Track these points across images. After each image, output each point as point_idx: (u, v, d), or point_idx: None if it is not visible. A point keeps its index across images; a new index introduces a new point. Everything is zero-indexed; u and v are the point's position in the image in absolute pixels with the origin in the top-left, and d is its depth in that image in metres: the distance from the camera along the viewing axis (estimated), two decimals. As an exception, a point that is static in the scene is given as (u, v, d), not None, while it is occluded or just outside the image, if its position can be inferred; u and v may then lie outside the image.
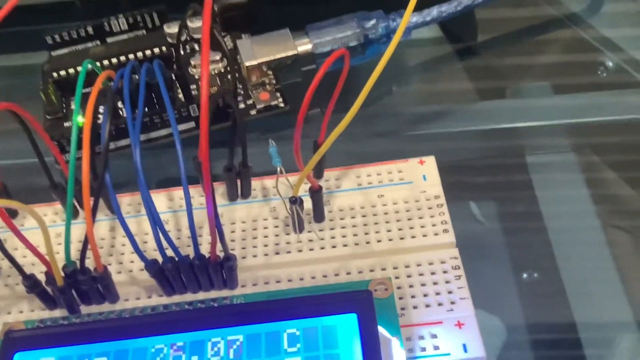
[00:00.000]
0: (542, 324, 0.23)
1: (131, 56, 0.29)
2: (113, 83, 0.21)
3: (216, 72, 0.29)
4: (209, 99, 0.18)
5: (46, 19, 0.32)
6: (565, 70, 0.32)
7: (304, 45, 0.28)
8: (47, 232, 0.19)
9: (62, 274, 0.20)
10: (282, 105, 0.28)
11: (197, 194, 0.24)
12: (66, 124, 0.27)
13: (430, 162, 0.24)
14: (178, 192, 0.24)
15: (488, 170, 0.28)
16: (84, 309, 0.21)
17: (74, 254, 0.21)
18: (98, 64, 0.28)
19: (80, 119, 0.27)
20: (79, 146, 0.20)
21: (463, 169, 0.28)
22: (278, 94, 0.28)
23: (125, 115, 0.27)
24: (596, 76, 0.31)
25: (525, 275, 0.24)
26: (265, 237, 0.22)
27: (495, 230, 0.26)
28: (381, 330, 0.19)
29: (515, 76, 0.32)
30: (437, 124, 0.29)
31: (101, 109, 0.26)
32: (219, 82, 0.28)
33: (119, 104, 0.26)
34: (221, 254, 0.20)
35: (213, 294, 0.21)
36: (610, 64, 0.31)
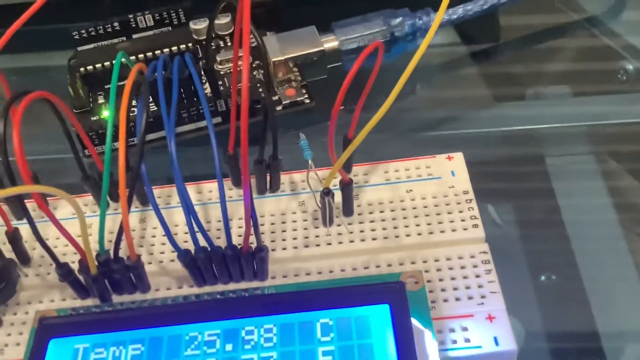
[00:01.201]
0: (563, 330, 0.23)
1: (157, 52, 0.29)
2: (146, 75, 0.22)
3: (241, 68, 0.29)
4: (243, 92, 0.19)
5: (73, 17, 0.32)
6: (586, 74, 0.32)
7: (330, 42, 0.28)
8: (83, 219, 0.19)
9: (96, 262, 0.20)
10: (307, 101, 0.28)
11: (226, 188, 0.24)
12: (93, 118, 0.28)
13: (459, 158, 0.24)
14: (207, 186, 0.24)
15: (507, 173, 0.28)
16: (116, 299, 0.21)
17: (106, 244, 0.21)
18: (124, 59, 0.28)
19: (107, 113, 0.28)
20: (108, 139, 0.20)
21: (482, 172, 0.28)
22: (304, 90, 0.28)
23: (152, 110, 0.27)
24: (616, 80, 0.31)
25: (544, 279, 0.24)
26: (294, 230, 0.23)
27: (514, 234, 0.26)
28: (414, 321, 0.19)
29: (535, 80, 0.32)
30: (455, 126, 0.29)
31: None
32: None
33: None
34: (253, 246, 0.21)
35: (243, 285, 0.21)
36: (631, 67, 0.31)
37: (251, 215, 0.19)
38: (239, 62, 0.28)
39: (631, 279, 0.24)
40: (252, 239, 0.20)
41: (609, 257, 0.24)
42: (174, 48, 0.29)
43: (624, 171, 0.28)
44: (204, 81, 0.27)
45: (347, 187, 0.22)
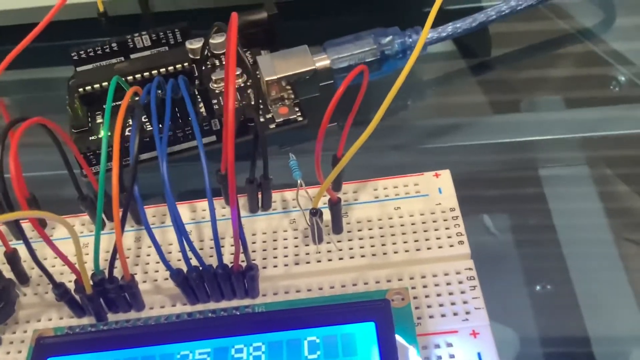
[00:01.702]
0: (555, 336, 0.23)
1: (154, 72, 0.29)
2: (140, 98, 0.22)
3: (235, 87, 0.29)
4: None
5: (72, 35, 0.33)
6: (578, 84, 0.32)
7: (322, 61, 0.29)
8: (78, 241, 0.19)
9: (91, 282, 0.21)
10: (300, 119, 0.28)
11: (219, 206, 0.25)
12: (91, 138, 0.28)
13: (446, 175, 0.24)
14: (200, 204, 0.25)
15: (501, 183, 0.28)
16: (111, 317, 0.22)
17: (101, 264, 0.21)
18: (122, 79, 0.29)
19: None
20: (103, 159, 0.21)
21: (476, 181, 0.28)
22: (297, 109, 0.29)
23: (148, 129, 0.28)
24: (608, 90, 0.31)
25: (538, 288, 0.25)
26: (285, 247, 0.23)
27: (509, 243, 0.26)
28: (398, 338, 0.19)
29: (528, 90, 0.32)
30: (451, 137, 0.29)
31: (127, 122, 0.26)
32: (239, 97, 0.29)
33: (143, 119, 0.27)
34: (243, 264, 0.21)
35: (235, 302, 0.22)
36: (623, 78, 0.32)
37: (239, 236, 0.20)
38: (240, 79, 0.29)
39: (622, 285, 0.24)
40: (243, 257, 0.21)
41: (600, 263, 0.25)
42: (171, 68, 0.30)
43: (617, 179, 0.28)
44: (199, 100, 0.28)
45: (335, 206, 0.22)
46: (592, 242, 0.26)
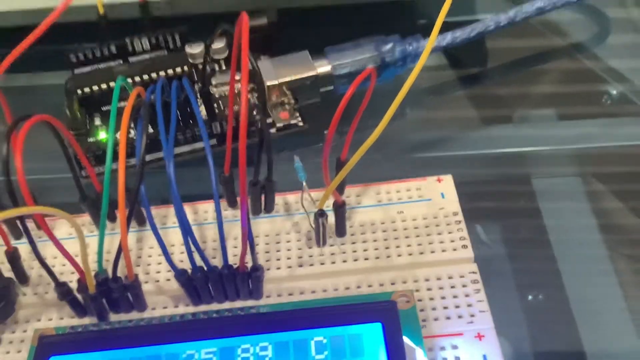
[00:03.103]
0: (550, 350, 0.23)
1: (154, 75, 0.29)
2: (145, 99, 0.22)
3: (236, 91, 0.29)
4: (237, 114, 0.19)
5: (69, 39, 0.32)
6: (571, 98, 0.32)
7: (323, 67, 0.29)
8: (83, 239, 0.19)
9: (94, 281, 0.21)
10: (301, 124, 0.28)
11: (222, 208, 0.24)
12: (90, 140, 0.28)
13: (448, 180, 0.24)
14: (202, 206, 0.25)
15: (494, 194, 0.29)
16: (113, 317, 0.22)
17: (103, 264, 0.21)
18: (127, 80, 0.29)
19: (103, 135, 0.28)
20: (108, 160, 0.21)
21: (470, 192, 0.28)
22: (297, 114, 0.29)
23: (150, 131, 0.28)
24: (601, 104, 0.32)
25: (531, 298, 0.25)
26: (289, 250, 0.23)
27: (502, 255, 0.26)
28: (405, 339, 0.19)
29: (521, 104, 0.32)
30: (443, 148, 0.30)
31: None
32: (239, 101, 0.29)
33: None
34: (248, 265, 0.21)
35: (239, 304, 0.22)
36: (614, 92, 0.32)
37: (248, 235, 0.20)
38: (237, 85, 0.29)
39: (617, 299, 0.24)
40: (247, 258, 0.21)
41: (595, 277, 0.25)
42: (170, 71, 0.30)
43: (609, 193, 0.29)
44: (200, 104, 0.28)
45: (340, 208, 0.22)
46: (587, 257, 0.26)
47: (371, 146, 0.21)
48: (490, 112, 0.32)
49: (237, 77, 0.29)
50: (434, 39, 0.21)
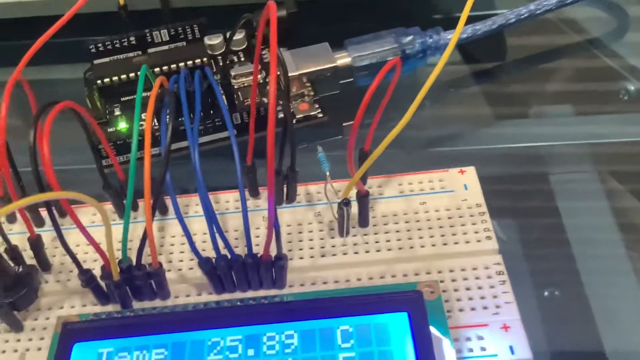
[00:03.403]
0: (568, 349, 0.23)
1: (173, 66, 0.29)
2: (168, 88, 0.22)
3: (261, 81, 0.29)
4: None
5: (88, 30, 0.32)
6: (588, 94, 0.32)
7: (343, 59, 0.29)
8: (109, 226, 0.19)
9: (118, 269, 0.21)
10: (320, 115, 0.28)
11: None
12: (110, 130, 0.28)
13: (471, 172, 0.24)
14: (223, 196, 0.25)
15: (511, 190, 0.28)
16: (136, 305, 0.22)
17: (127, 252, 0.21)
18: (150, 70, 0.29)
19: (123, 125, 0.28)
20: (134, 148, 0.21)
21: (485, 188, 0.28)
22: (317, 105, 0.29)
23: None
24: (618, 100, 0.32)
25: (547, 295, 0.24)
26: (311, 240, 0.23)
27: (518, 251, 0.26)
28: (432, 329, 0.19)
29: (538, 100, 0.32)
30: (460, 143, 0.30)
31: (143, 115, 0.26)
32: (259, 92, 0.29)
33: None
34: (271, 254, 0.21)
35: (261, 292, 0.22)
36: (632, 88, 0.32)
37: (274, 224, 0.19)
38: (259, 76, 0.29)
39: (636, 298, 0.24)
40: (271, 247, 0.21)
41: (613, 276, 0.25)
42: (189, 62, 0.30)
43: (626, 191, 0.28)
44: (221, 93, 0.28)
45: (363, 198, 0.22)
46: (605, 256, 0.26)
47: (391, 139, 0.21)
48: (507, 108, 0.32)
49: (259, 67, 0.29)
50: (459, 32, 0.20)
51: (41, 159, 0.19)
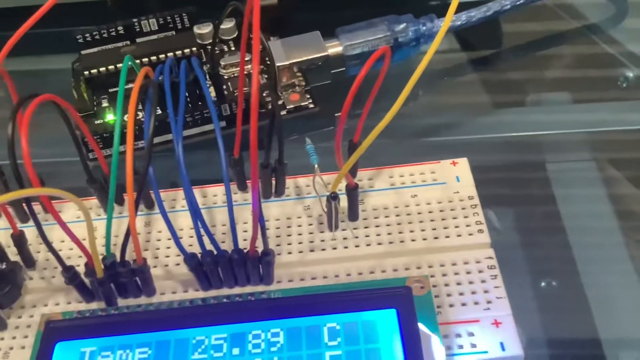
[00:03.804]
0: (564, 337, 0.23)
1: (162, 56, 0.29)
2: (153, 79, 0.22)
3: (246, 72, 0.29)
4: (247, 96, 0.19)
5: (77, 21, 0.32)
6: (586, 81, 0.32)
7: (334, 48, 0.28)
8: (91, 222, 0.19)
9: (102, 266, 0.20)
10: (311, 106, 0.28)
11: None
12: (97, 122, 0.28)
13: (463, 163, 0.24)
14: (211, 190, 0.24)
15: (508, 179, 0.28)
16: (121, 302, 0.21)
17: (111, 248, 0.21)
18: (134, 60, 0.28)
19: (111, 117, 0.28)
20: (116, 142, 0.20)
21: (482, 177, 0.28)
22: (307, 95, 0.28)
23: (158, 112, 0.27)
24: (617, 87, 0.31)
25: (544, 285, 0.24)
26: (300, 234, 0.23)
27: (515, 241, 0.26)
28: (421, 326, 0.19)
29: (535, 88, 0.32)
30: (455, 132, 0.29)
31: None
32: (248, 83, 0.28)
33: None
34: (258, 250, 0.21)
35: (249, 289, 0.21)
36: (631, 75, 0.31)
37: (259, 219, 0.19)
38: (246, 66, 0.28)
39: (632, 286, 0.24)
40: (258, 242, 0.20)
41: (609, 264, 0.24)
42: (178, 52, 0.29)
43: (624, 178, 0.28)
44: (209, 85, 0.27)
45: (353, 191, 0.22)
46: (602, 244, 0.25)
47: (383, 130, 0.20)
48: (504, 95, 0.32)
49: (246, 58, 0.29)
50: (450, 18, 0.20)
51: (23, 154, 0.18)
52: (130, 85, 0.30)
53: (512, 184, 0.28)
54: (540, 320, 0.23)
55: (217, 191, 0.24)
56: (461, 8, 0.30)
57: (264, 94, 0.28)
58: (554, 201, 0.26)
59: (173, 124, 0.20)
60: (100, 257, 0.20)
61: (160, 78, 0.21)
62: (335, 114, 0.29)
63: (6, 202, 0.16)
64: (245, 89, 0.28)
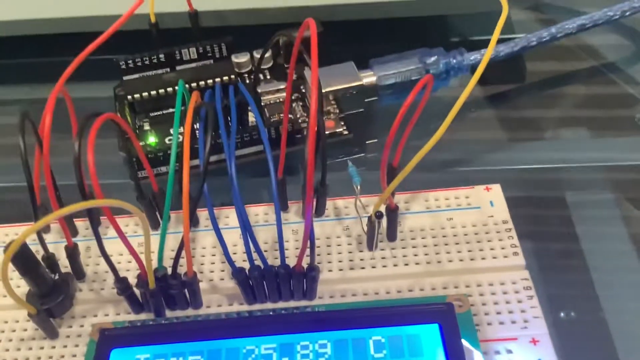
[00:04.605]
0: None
1: (202, 83, 0.30)
2: (204, 101, 0.23)
3: (280, 100, 0.30)
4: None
5: (115, 49, 0.33)
6: (604, 117, 0.33)
7: (368, 78, 0.29)
8: (149, 235, 0.20)
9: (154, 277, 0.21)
10: (346, 132, 0.29)
11: (271, 212, 0.25)
12: (140, 144, 0.29)
13: (497, 189, 0.25)
14: (252, 209, 0.25)
15: (528, 214, 0.29)
16: (169, 314, 0.22)
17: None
18: (170, 89, 0.30)
19: (152, 140, 0.29)
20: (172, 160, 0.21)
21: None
22: (342, 122, 0.29)
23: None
24: (634, 125, 0.32)
25: (563, 315, 0.25)
26: (339, 253, 0.23)
27: (535, 275, 0.26)
28: (463, 342, 0.19)
29: (554, 123, 0.33)
30: (475, 164, 0.30)
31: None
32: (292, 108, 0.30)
33: (195, 126, 0.27)
34: (304, 266, 0.21)
35: (292, 303, 0.22)
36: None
37: (310, 235, 0.20)
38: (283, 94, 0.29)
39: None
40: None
41: (632, 302, 0.25)
42: (217, 79, 0.30)
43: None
44: (249, 110, 0.28)
45: (393, 212, 0.23)
46: (621, 271, 0.26)
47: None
48: (524, 130, 0.33)
49: (282, 86, 0.30)
50: (490, 52, 0.21)
51: (89, 169, 0.19)
52: (171, 110, 0.31)
53: (532, 219, 0.28)
54: (559, 346, 0.23)
55: (258, 211, 0.25)
56: (481, 46, 0.31)
57: (300, 120, 0.29)
58: (575, 236, 0.27)
59: (226, 144, 0.21)
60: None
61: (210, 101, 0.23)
62: (367, 141, 0.30)
63: (75, 211, 0.17)
64: (281, 114, 0.29)
